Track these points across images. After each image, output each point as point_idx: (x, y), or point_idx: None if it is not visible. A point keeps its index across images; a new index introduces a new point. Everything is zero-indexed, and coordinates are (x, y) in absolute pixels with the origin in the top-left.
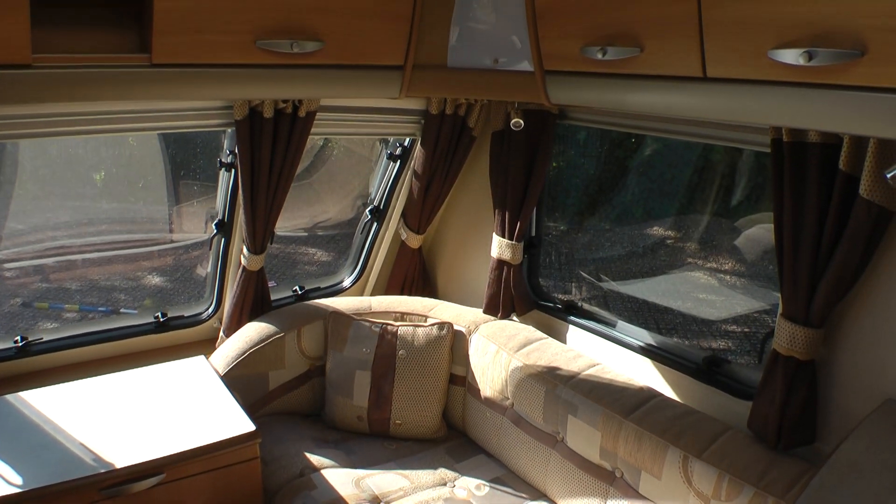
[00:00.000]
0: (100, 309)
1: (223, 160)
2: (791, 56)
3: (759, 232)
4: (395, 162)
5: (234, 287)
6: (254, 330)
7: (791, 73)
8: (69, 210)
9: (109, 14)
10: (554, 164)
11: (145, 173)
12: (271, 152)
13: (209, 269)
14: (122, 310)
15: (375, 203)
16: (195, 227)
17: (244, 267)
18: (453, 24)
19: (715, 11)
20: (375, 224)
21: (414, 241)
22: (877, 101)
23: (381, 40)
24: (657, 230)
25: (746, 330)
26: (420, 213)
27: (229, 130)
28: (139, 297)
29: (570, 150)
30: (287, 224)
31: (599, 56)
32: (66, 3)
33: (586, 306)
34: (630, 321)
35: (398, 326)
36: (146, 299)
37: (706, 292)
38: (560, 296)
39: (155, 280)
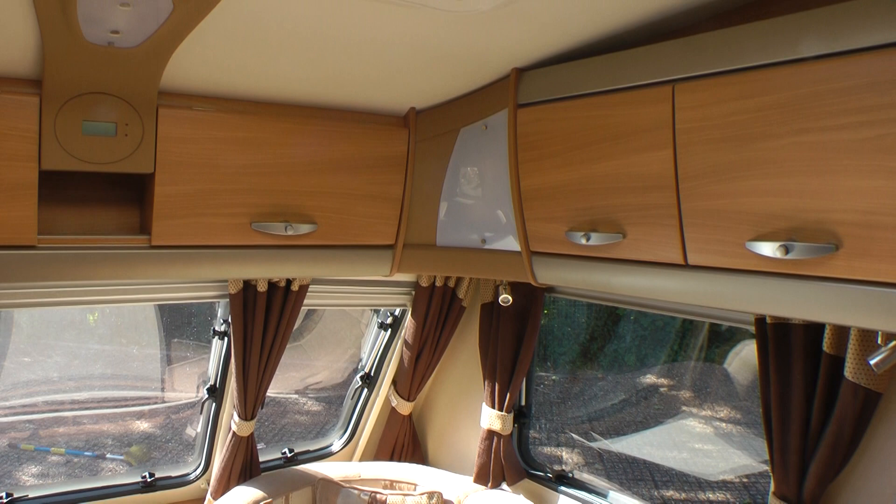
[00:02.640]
0: (86, 453)
1: (217, 328)
2: (768, 249)
3: (749, 352)
4: (385, 331)
5: (224, 450)
6: (242, 495)
7: (769, 264)
8: (61, 352)
9: (113, 194)
10: (545, 311)
11: (137, 323)
12: (264, 324)
13: (199, 430)
14: (108, 454)
15: (366, 370)
16: (187, 386)
17: (234, 433)
18: (442, 199)
19: (693, 202)
20: (366, 390)
21: (404, 407)
22: (854, 293)
23: (373, 221)
24: (650, 378)
25: (745, 480)
26: (410, 381)
27: (222, 301)
28: (126, 442)
29: (561, 299)
30: (278, 387)
31: (583, 241)
32: (73, 184)
33: (577, 475)
34: (625, 473)
35: (387, 495)
36: (133, 445)
37: (702, 442)
38: (552, 465)
39: (143, 426)
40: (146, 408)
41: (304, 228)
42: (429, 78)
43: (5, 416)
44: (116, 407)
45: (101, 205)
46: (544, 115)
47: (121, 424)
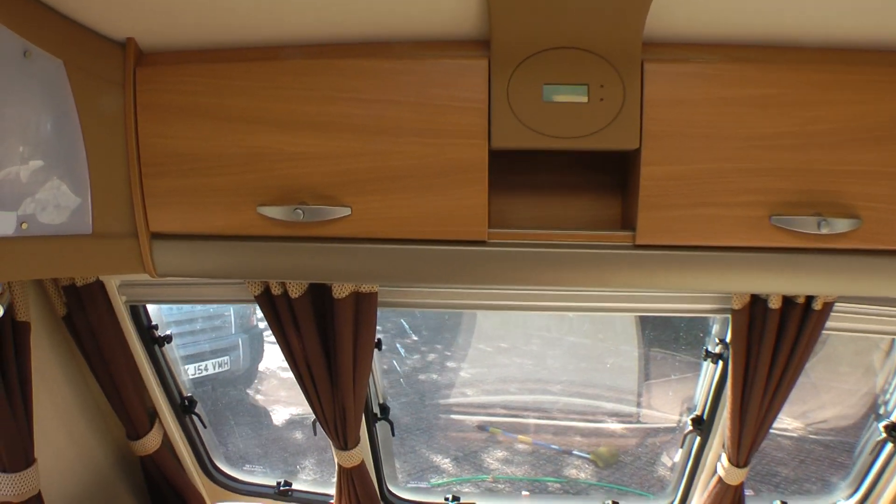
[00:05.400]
0: (552, 446)
1: (710, 349)
2: None
3: None
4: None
5: (704, 496)
6: None
7: None
8: (538, 341)
9: (580, 179)
10: None
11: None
12: (774, 350)
13: (676, 462)
14: (573, 451)
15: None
16: (666, 408)
17: (720, 478)
18: None
19: None
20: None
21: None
22: None
23: None
24: None
25: None
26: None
27: (719, 316)
28: (592, 443)
29: None
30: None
31: None
32: (528, 166)
33: None
34: None
35: None
36: (601, 447)
37: None
38: None
39: (613, 427)
40: (619, 426)
41: (843, 225)
42: None
43: (477, 395)
44: (585, 420)
45: (565, 192)
46: None
47: (592, 421)
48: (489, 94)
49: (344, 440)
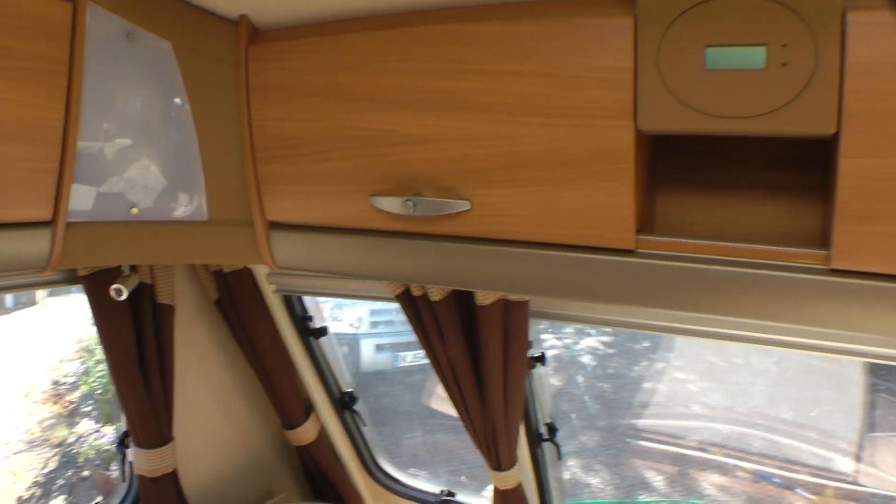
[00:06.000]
0: (774, 480)
1: None
2: None
3: None
4: None
5: None
6: None
7: None
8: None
9: (761, 176)
10: None
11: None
12: None
13: None
14: (797, 489)
15: None
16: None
17: None
18: None
19: None
20: None
21: None
22: None
23: None
24: None
25: None
26: None
27: None
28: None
29: None
30: None
31: None
32: (688, 156)
33: None
34: None
35: None
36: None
37: None
38: None
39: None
40: (832, 483)
41: None
42: None
43: (669, 419)
44: (789, 469)
45: (739, 191)
46: None
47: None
48: (635, 61)
49: (497, 460)
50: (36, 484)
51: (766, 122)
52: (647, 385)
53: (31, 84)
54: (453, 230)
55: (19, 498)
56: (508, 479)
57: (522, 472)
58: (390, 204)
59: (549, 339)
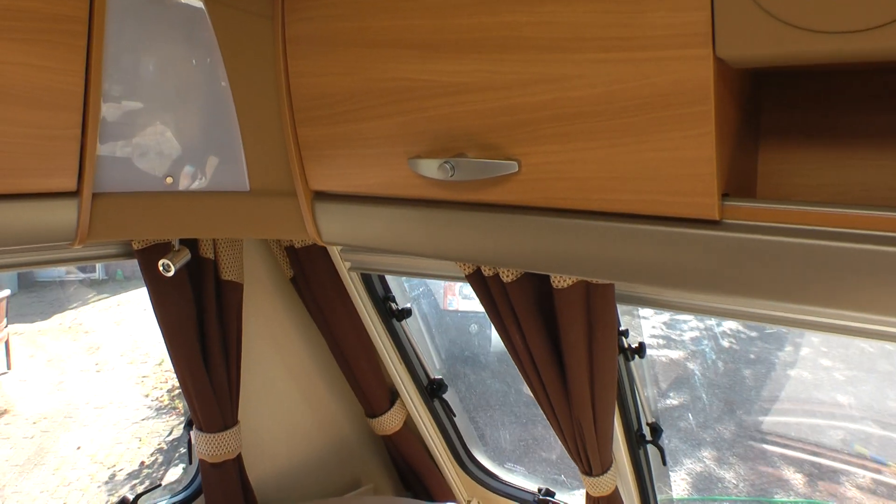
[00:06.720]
0: None
1: None
2: None
3: None
4: None
5: None
6: None
7: None
8: None
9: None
10: None
11: None
12: None
13: None
14: None
15: None
16: None
17: None
18: None
19: None
20: None
21: None
22: None
23: None
24: None
25: None
26: None
27: None
28: None
29: None
30: None
31: None
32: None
33: None
34: None
35: None
36: None
37: None
38: None
39: None
40: None
41: None
42: None
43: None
44: None
45: (867, 142)
46: None
47: None
48: None
49: (587, 464)
50: (159, 450)
51: (881, 36)
52: (791, 372)
53: (48, 46)
54: (500, 198)
55: (142, 463)
56: (601, 484)
57: (620, 478)
58: (428, 167)
59: (690, 321)
